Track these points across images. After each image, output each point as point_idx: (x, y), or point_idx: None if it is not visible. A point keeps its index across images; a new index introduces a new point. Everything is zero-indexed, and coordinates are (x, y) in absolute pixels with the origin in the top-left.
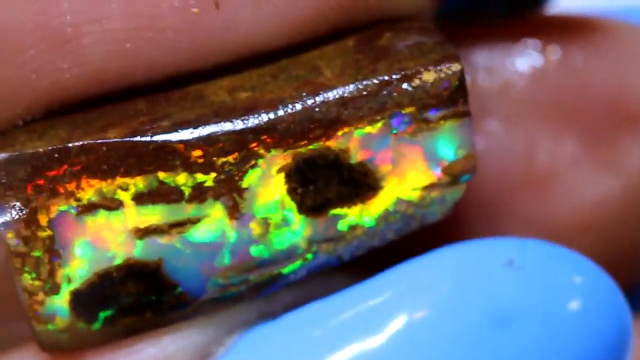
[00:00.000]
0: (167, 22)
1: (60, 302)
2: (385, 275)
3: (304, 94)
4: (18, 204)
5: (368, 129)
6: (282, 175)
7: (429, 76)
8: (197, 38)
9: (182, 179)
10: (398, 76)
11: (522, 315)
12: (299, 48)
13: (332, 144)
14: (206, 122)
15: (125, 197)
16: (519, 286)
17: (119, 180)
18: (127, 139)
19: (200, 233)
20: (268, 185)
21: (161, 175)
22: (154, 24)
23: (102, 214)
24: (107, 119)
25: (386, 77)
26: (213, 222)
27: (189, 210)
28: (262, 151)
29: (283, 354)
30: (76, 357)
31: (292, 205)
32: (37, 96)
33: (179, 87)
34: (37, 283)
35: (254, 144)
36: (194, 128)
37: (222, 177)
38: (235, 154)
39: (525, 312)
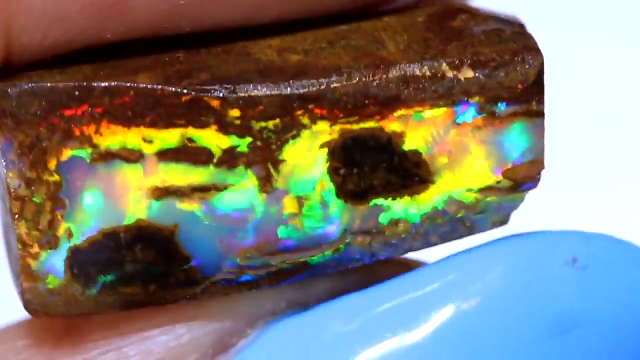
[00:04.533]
0: None
1: (57, 258)
2: (432, 266)
3: (362, 65)
4: (27, 141)
5: (429, 113)
6: (326, 151)
7: (503, 65)
8: None
9: (213, 139)
10: (469, 61)
11: (586, 321)
12: (362, 15)
13: (386, 124)
14: (249, 80)
15: (148, 150)
16: (583, 288)
17: (144, 131)
18: (159, 86)
19: (224, 202)
20: (308, 160)
21: (191, 131)
22: None
23: (119, 166)
24: (140, 63)
25: (456, 60)
26: (241, 192)
27: (216, 174)
28: (307, 121)
29: (312, 349)
30: (79, 336)
31: (332, 186)
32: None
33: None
34: (34, 233)
35: (299, 112)
36: (235, 84)
37: (259, 143)
38: (277, 120)
39: (589, 317)
